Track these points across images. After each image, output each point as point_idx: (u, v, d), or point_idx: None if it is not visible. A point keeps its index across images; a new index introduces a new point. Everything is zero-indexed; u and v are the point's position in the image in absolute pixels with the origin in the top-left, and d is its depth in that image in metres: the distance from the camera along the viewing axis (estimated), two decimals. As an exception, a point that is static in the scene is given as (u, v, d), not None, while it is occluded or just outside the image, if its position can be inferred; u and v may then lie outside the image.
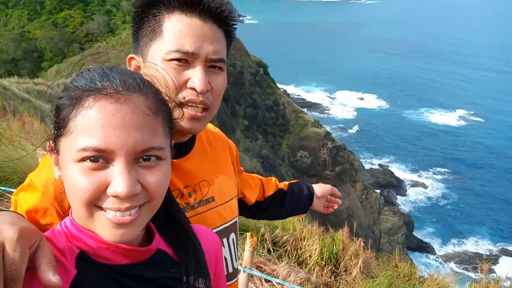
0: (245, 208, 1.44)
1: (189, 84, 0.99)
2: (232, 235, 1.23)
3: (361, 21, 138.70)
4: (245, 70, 35.74)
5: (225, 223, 1.19)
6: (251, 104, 35.15)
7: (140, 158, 0.70)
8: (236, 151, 1.39)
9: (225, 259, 1.19)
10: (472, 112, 54.21)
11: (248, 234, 2.54)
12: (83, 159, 0.67)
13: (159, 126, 0.74)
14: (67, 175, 0.70)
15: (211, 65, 1.02)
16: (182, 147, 1.12)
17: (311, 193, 1.60)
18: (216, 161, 1.23)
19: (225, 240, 1.19)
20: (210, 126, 1.33)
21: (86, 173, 0.67)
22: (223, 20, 1.02)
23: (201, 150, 1.19)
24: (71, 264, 0.71)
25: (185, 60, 0.98)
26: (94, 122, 0.67)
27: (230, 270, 1.21)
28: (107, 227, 0.70)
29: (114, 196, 0.68)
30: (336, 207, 1.68)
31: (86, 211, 0.69)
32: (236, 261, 1.25)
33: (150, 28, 1.01)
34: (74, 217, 0.75)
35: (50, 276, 0.61)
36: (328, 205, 1.66)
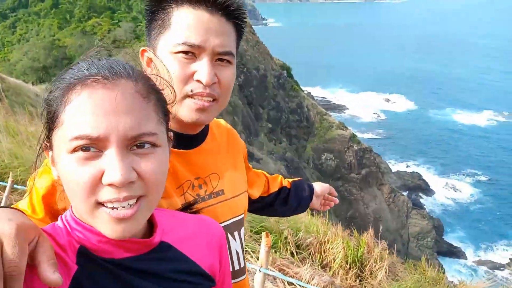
0: (248, 203, 1.44)
1: (195, 77, 0.99)
2: (242, 230, 1.23)
3: (387, 21, 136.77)
4: (268, 73, 35.75)
5: (236, 217, 1.19)
6: (274, 107, 35.10)
7: (133, 145, 0.68)
8: (245, 149, 1.39)
9: (237, 253, 1.18)
10: (505, 113, 52.50)
11: (264, 233, 2.52)
12: (75, 149, 0.65)
13: (151, 111, 0.72)
14: (61, 168, 0.69)
15: (218, 58, 1.02)
16: (194, 139, 1.12)
17: (311, 191, 1.64)
18: (226, 155, 1.23)
19: (236, 233, 1.18)
20: (222, 122, 1.33)
21: (80, 163, 0.65)
22: (232, 14, 1.02)
23: (212, 143, 1.19)
24: (71, 260, 0.70)
25: (191, 52, 0.99)
26: (83, 110, 0.65)
27: (242, 264, 1.20)
28: (108, 223, 0.68)
29: (110, 185, 0.65)
30: (332, 205, 1.73)
31: (87, 206, 0.67)
32: (244, 257, 1.24)
33: (160, 21, 1.02)
34: (75, 212, 0.74)
35: (50, 273, 0.60)
36: (325, 203, 1.71)
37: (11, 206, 0.76)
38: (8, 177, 3.05)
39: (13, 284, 0.56)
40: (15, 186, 3.15)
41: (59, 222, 0.75)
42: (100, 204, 0.67)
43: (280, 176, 1.61)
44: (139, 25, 45.36)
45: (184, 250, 0.84)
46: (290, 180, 1.62)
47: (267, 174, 1.57)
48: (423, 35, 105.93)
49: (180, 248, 0.83)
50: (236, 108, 29.29)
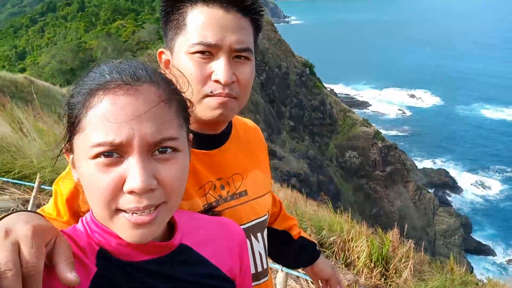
0: None
1: (213, 77, 0.97)
2: (265, 231, 1.20)
3: (410, 16, 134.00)
4: (290, 70, 35.59)
5: (259, 218, 1.16)
6: (297, 104, 34.92)
7: (155, 150, 0.69)
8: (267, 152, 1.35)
9: (260, 255, 1.16)
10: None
11: (286, 232, 2.51)
12: (97, 155, 0.66)
13: (172, 116, 0.72)
14: (82, 173, 0.69)
15: (236, 56, 1.00)
16: (216, 139, 1.10)
17: (311, 261, 1.43)
18: (251, 155, 1.20)
19: (259, 235, 1.16)
20: (248, 121, 1.30)
21: (102, 170, 0.66)
22: (247, 9, 1.00)
23: (236, 143, 1.16)
24: (91, 262, 0.70)
25: (208, 52, 0.97)
26: (106, 116, 0.66)
27: (265, 266, 1.18)
28: (126, 228, 0.68)
29: (130, 193, 0.66)
30: None
31: (106, 212, 0.68)
32: (268, 258, 1.22)
33: (175, 22, 1.01)
34: (95, 215, 0.74)
35: (67, 273, 0.60)
36: (323, 285, 1.43)
37: (36, 209, 0.78)
38: (37, 177, 3.15)
39: (31, 284, 0.57)
40: (43, 186, 3.24)
41: (79, 225, 0.76)
42: (120, 210, 0.68)
43: (296, 221, 1.45)
44: (162, 26, 45.87)
45: (203, 252, 0.83)
46: (303, 234, 1.44)
47: (283, 207, 1.44)
48: (446, 30, 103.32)
49: (200, 250, 0.83)
50: (258, 106, 29.31)
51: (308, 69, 37.75)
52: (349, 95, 57.57)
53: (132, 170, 0.66)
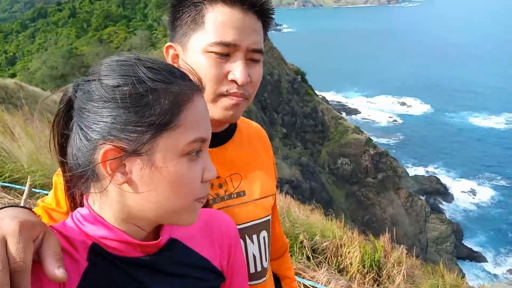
0: None
1: (230, 77, 1.00)
2: (264, 233, 1.18)
3: (401, 25, 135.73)
4: (282, 78, 35.78)
5: (256, 220, 1.14)
6: (289, 111, 35.07)
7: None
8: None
9: (254, 256, 1.14)
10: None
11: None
12: (190, 152, 0.71)
13: None
14: (170, 171, 0.69)
15: (250, 57, 1.02)
16: (217, 137, 1.09)
17: None
18: (253, 156, 1.20)
19: (255, 237, 1.14)
20: (252, 122, 1.32)
21: (192, 164, 0.72)
22: (263, 12, 1.03)
23: (238, 143, 1.16)
24: (82, 257, 0.70)
25: (226, 52, 0.99)
26: (200, 116, 0.73)
27: (259, 268, 1.16)
28: (196, 210, 0.76)
29: (205, 182, 0.75)
30: None
31: (187, 201, 0.73)
32: (266, 261, 1.20)
33: (191, 19, 1.01)
34: (170, 205, 0.72)
35: (54, 269, 0.60)
36: None
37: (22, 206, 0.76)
38: (28, 180, 3.11)
39: (19, 280, 0.56)
40: (33, 190, 3.20)
41: (69, 221, 0.75)
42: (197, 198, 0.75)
43: (292, 273, 1.44)
44: (154, 33, 45.98)
45: (193, 245, 0.84)
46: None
47: (287, 251, 1.43)
48: (435, 40, 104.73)
49: (189, 243, 0.84)
50: (251, 113, 29.37)
51: (299, 76, 37.99)
52: (340, 102, 57.93)
53: (209, 163, 0.76)
